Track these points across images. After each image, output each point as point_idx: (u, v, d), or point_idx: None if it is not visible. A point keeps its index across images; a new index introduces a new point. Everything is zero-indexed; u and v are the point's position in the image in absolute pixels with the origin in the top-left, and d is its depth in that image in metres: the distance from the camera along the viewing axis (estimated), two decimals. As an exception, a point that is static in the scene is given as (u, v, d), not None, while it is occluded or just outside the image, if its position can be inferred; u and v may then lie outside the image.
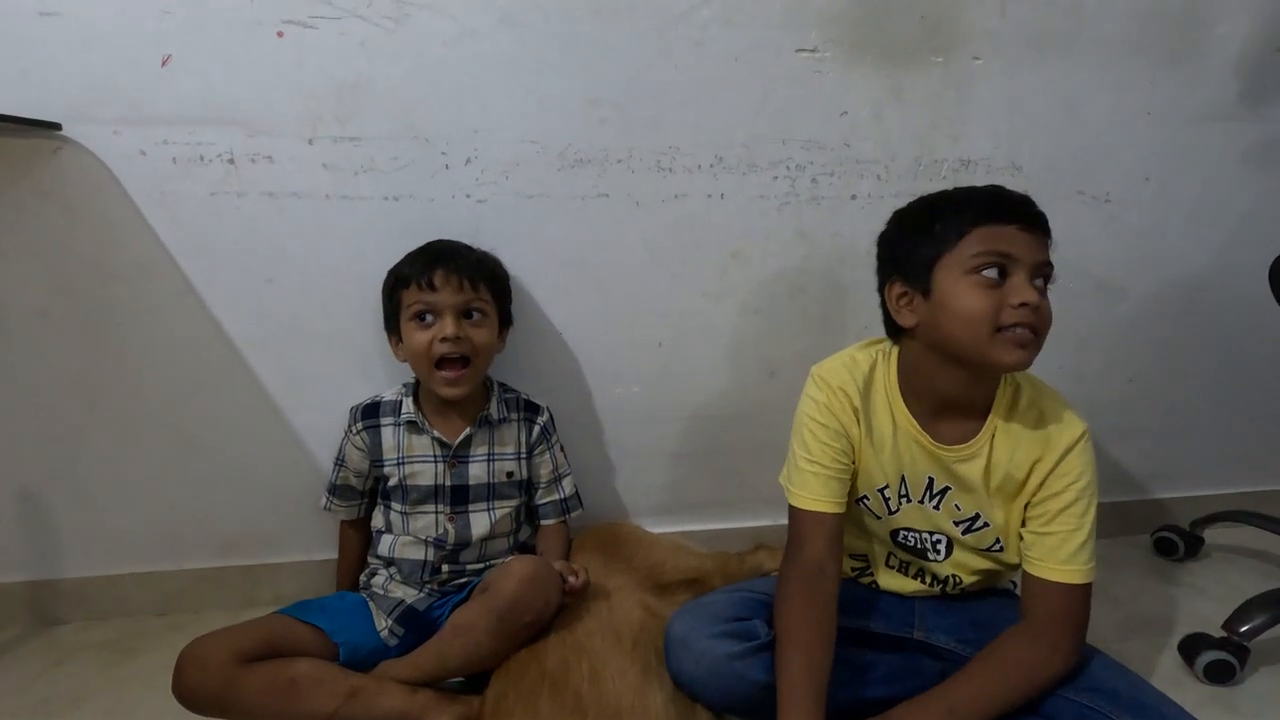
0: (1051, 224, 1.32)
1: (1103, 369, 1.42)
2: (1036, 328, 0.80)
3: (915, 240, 0.86)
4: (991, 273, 0.80)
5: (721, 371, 1.30)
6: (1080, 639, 0.85)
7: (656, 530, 1.33)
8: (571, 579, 1.00)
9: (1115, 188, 1.32)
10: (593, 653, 0.86)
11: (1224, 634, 1.08)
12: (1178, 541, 1.42)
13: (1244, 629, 1.07)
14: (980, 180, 1.25)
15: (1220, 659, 1.05)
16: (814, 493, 0.91)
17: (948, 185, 1.24)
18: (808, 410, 0.94)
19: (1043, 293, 0.81)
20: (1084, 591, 0.84)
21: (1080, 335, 1.39)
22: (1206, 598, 1.30)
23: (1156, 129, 1.30)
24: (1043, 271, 0.81)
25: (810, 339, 1.29)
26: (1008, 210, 0.82)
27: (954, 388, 0.87)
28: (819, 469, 0.91)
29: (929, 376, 0.88)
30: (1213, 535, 1.44)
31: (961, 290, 0.81)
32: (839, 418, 0.92)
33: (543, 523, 1.19)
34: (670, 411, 1.31)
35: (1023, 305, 0.78)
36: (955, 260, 0.82)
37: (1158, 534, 1.45)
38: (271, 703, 0.88)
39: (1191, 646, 1.09)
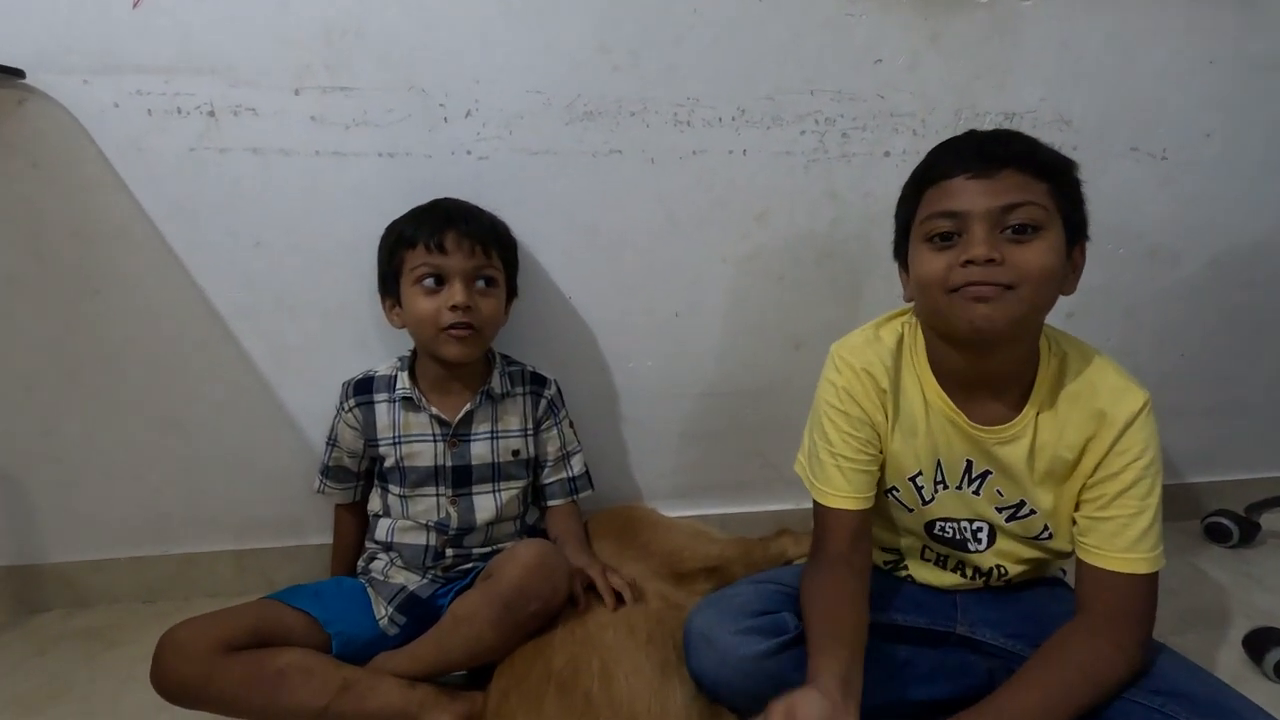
0: (1101, 183, 1.22)
1: (1153, 342, 1.32)
2: (1004, 281, 0.69)
3: (900, 209, 0.81)
4: (939, 234, 0.72)
5: (743, 344, 1.21)
6: (1147, 635, 0.76)
7: (673, 514, 1.25)
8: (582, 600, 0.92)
9: (1173, 144, 1.21)
10: (604, 648, 0.78)
11: (1295, 628, 0.99)
12: (1231, 527, 1.32)
13: (1318, 623, 0.98)
14: (1025, 135, 1.17)
15: (1292, 656, 0.97)
16: (839, 489, 0.82)
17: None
18: (827, 397, 0.85)
19: (1016, 240, 0.70)
20: (1149, 582, 0.75)
21: (1129, 305, 1.29)
22: (1264, 588, 1.21)
23: (1220, 79, 1.18)
24: (1006, 219, 0.70)
25: (839, 309, 1.20)
26: (952, 161, 0.73)
27: (962, 365, 0.78)
28: (843, 461, 0.83)
29: (941, 354, 0.80)
30: (1270, 520, 1.34)
31: (919, 256, 0.75)
32: (861, 404, 0.83)
33: (549, 504, 1.11)
34: (687, 387, 1.22)
35: (968, 263, 0.69)
36: (917, 225, 0.76)
37: (1209, 519, 1.36)
38: (256, 695, 0.81)
39: (1258, 642, 1.00)
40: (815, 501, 0.85)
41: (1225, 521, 1.33)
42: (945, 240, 0.72)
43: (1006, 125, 1.16)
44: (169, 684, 0.79)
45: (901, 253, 0.80)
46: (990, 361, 0.77)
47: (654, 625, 0.84)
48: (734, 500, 1.30)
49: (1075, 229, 0.74)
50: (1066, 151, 1.17)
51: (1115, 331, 1.31)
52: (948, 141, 0.77)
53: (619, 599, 0.91)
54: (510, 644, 0.85)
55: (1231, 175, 1.24)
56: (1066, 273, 0.74)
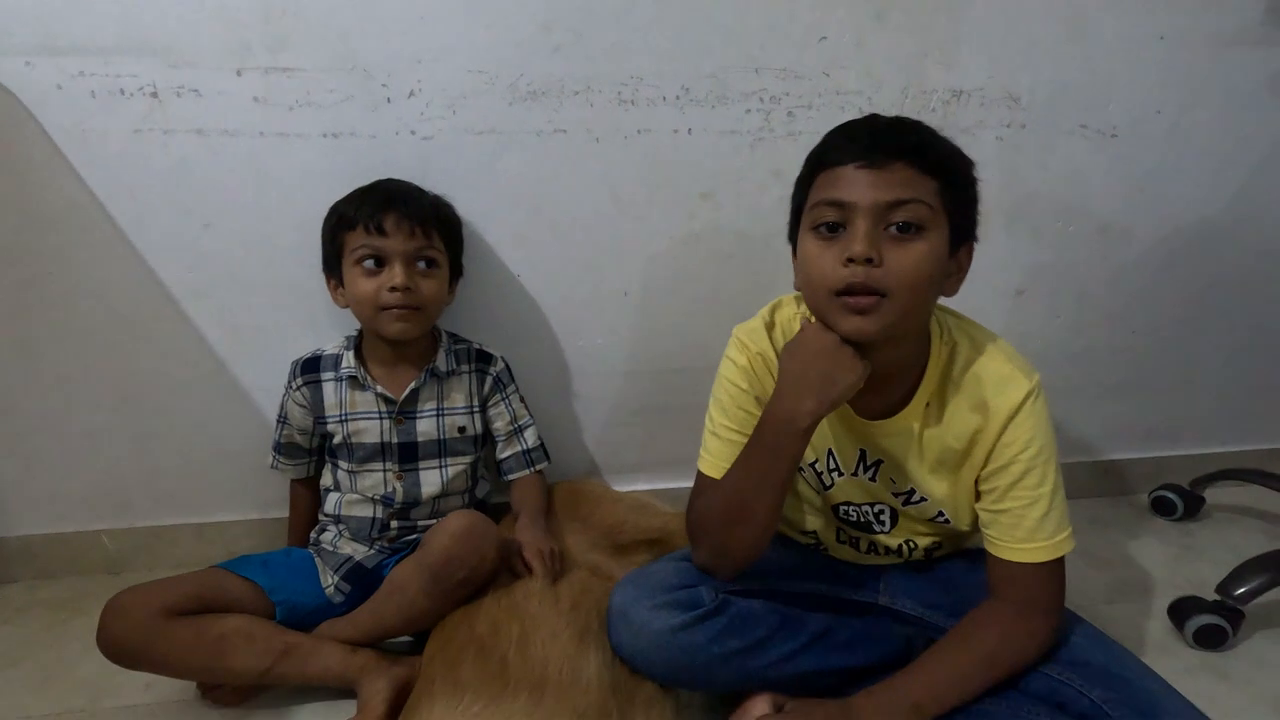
0: (1051, 160, 1.23)
1: (1103, 319, 1.33)
2: (878, 287, 0.67)
3: (796, 190, 0.79)
4: (824, 226, 0.71)
5: (691, 322, 1.22)
6: (1056, 619, 0.78)
7: (625, 488, 1.28)
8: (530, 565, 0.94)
9: (1122, 121, 1.21)
10: (526, 615, 0.81)
11: (1217, 597, 1.01)
12: (1176, 501, 1.35)
13: (1239, 592, 1.00)
14: (973, 113, 1.18)
15: (1211, 623, 1.00)
16: (719, 456, 0.84)
17: (938, 119, 1.16)
18: (728, 374, 0.86)
19: (898, 239, 0.68)
20: (1051, 569, 0.76)
21: (1080, 282, 1.30)
22: (1204, 559, 1.23)
23: (1170, 55, 1.18)
24: (890, 216, 0.68)
25: (787, 288, 1.19)
26: (845, 148, 0.71)
27: None
28: (732, 433, 0.84)
29: None
30: (1214, 495, 1.37)
31: (804, 245, 0.74)
32: (764, 383, 0.83)
33: (509, 478, 1.13)
34: (638, 364, 1.24)
35: (849, 261, 0.68)
36: (806, 211, 0.74)
37: (1155, 493, 1.38)
38: (198, 658, 0.85)
39: (1181, 610, 1.03)
40: (702, 476, 0.86)
41: (1170, 495, 1.35)
42: (831, 231, 0.70)
43: (954, 104, 1.16)
44: (111, 646, 0.83)
45: (793, 237, 0.79)
46: (872, 359, 0.75)
47: (578, 594, 0.87)
48: (685, 475, 1.31)
49: (962, 231, 0.73)
50: (1015, 130, 1.21)
51: (1066, 309, 1.32)
52: (845, 125, 0.75)
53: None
54: (442, 610, 0.88)
55: (1182, 152, 1.24)
56: (949, 273, 0.73)
